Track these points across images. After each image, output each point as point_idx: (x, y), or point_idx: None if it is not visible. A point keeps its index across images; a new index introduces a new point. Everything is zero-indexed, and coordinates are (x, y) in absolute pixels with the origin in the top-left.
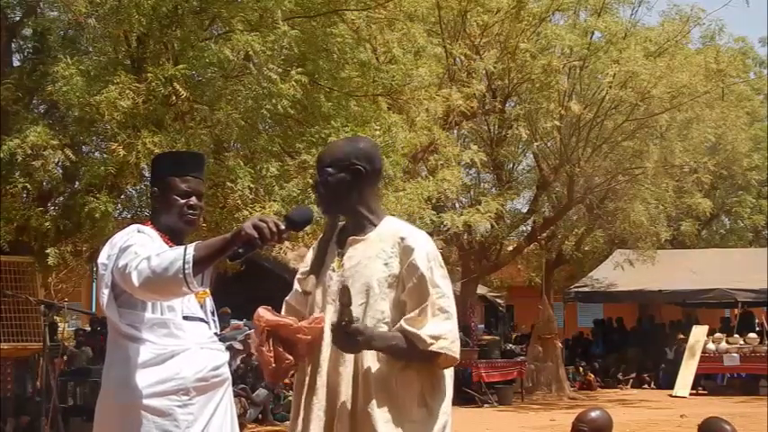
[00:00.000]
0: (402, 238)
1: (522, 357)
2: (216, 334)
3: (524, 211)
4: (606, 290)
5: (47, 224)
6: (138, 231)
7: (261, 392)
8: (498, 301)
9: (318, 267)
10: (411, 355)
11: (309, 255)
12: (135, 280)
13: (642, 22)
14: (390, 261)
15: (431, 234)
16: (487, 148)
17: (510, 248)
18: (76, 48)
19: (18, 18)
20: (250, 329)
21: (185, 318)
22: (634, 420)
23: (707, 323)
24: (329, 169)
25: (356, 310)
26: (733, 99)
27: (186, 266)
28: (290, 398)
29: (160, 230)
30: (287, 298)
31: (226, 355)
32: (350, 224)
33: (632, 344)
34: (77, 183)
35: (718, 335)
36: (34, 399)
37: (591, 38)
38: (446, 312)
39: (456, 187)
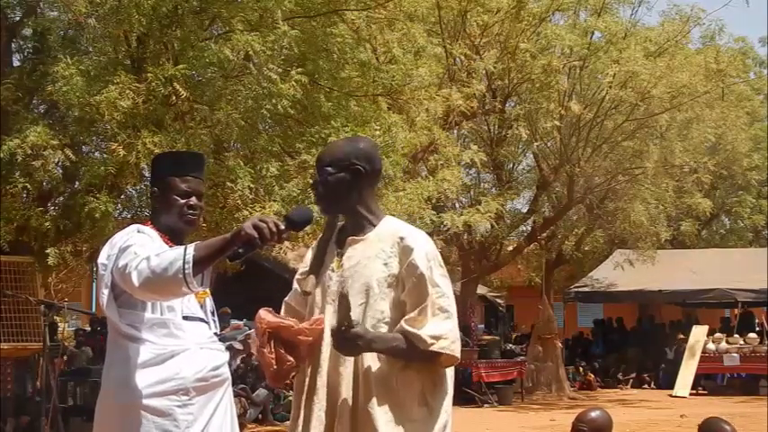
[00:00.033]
0: (401, 238)
1: (522, 357)
2: (216, 334)
3: (524, 211)
4: (606, 290)
5: (47, 224)
6: (138, 231)
7: (261, 392)
8: (498, 301)
9: (318, 267)
10: (412, 355)
11: (308, 255)
12: (135, 280)
13: (642, 22)
14: (390, 261)
15: (431, 234)
16: (487, 148)
17: (510, 248)
18: (76, 48)
19: (18, 18)
20: (250, 329)
21: (185, 318)
22: (634, 420)
23: (707, 323)
24: (329, 168)
25: (356, 311)
26: (733, 99)
27: (186, 266)
28: (290, 398)
29: (160, 230)
30: (286, 298)
31: (226, 355)
32: (349, 224)
33: (632, 344)
34: (77, 183)
35: (718, 335)
36: (34, 399)
37: (591, 38)
38: (446, 312)
39: (456, 187)
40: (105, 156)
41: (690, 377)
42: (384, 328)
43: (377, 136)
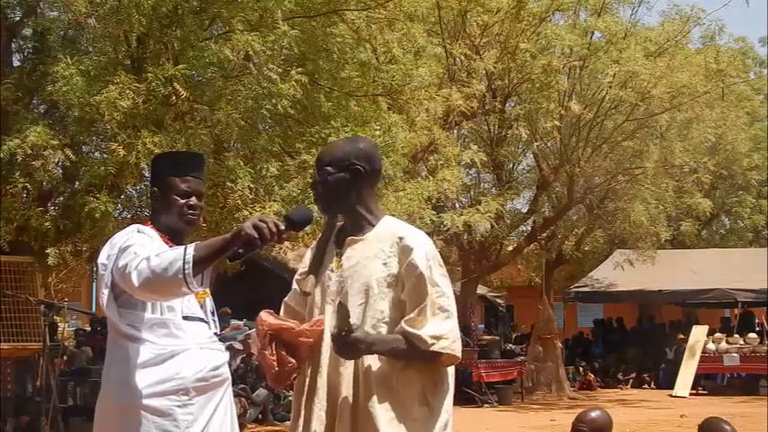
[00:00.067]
0: (400, 238)
1: (522, 357)
2: (216, 334)
3: (524, 211)
4: (606, 290)
5: (47, 224)
6: (138, 231)
7: (261, 392)
8: (498, 301)
9: (317, 268)
10: (412, 355)
11: (308, 255)
12: (135, 280)
13: (642, 22)
14: (389, 261)
15: (431, 234)
16: (487, 148)
17: (510, 248)
18: (76, 48)
19: (18, 18)
20: (250, 329)
21: (185, 318)
22: (634, 420)
23: (707, 323)
24: (329, 168)
25: (355, 311)
26: (733, 99)
27: (186, 267)
28: (290, 398)
29: (160, 230)
30: (285, 299)
31: (226, 355)
32: (348, 224)
33: (632, 344)
34: (77, 183)
35: (718, 335)
36: (34, 399)
37: (591, 38)
38: (446, 311)
39: (456, 187)
40: (105, 156)
41: (690, 377)
42: (384, 328)
43: (377, 136)
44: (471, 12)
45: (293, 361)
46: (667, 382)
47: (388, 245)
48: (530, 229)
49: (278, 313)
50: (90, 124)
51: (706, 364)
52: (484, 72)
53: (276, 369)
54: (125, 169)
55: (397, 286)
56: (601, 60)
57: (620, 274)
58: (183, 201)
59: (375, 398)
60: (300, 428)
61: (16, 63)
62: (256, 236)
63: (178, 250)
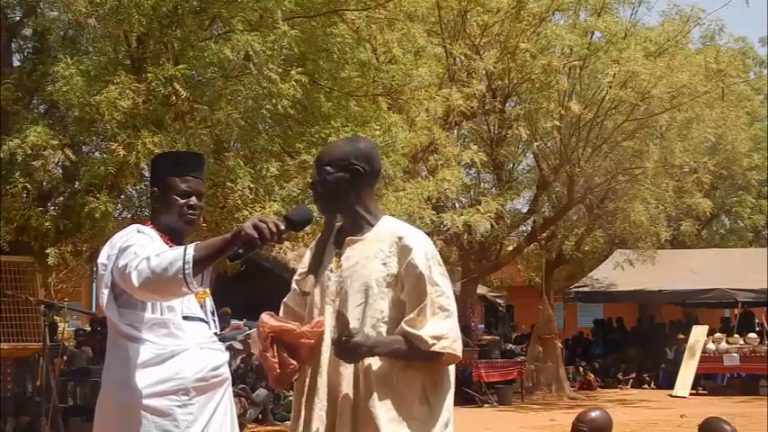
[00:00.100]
0: (400, 238)
1: (522, 357)
2: (216, 334)
3: (524, 211)
4: (606, 290)
5: (47, 224)
6: (138, 231)
7: (261, 392)
8: (498, 301)
9: (316, 268)
10: (413, 356)
11: (307, 255)
12: (135, 280)
13: (642, 22)
14: (388, 260)
15: (431, 234)
16: (487, 148)
17: (510, 248)
18: (76, 48)
19: (18, 18)
20: (250, 329)
21: (185, 318)
22: (634, 420)
23: (707, 323)
24: (328, 168)
25: (355, 311)
26: (733, 99)
27: (186, 267)
28: (291, 398)
29: (160, 230)
30: (285, 299)
31: (226, 355)
32: (347, 224)
33: (632, 344)
34: (77, 183)
35: (718, 335)
36: (34, 399)
37: (591, 38)
38: (446, 311)
39: (456, 187)
40: (105, 156)
41: (690, 377)
42: (383, 328)
43: (377, 136)
44: (471, 12)
45: (294, 362)
46: (667, 382)
47: (388, 245)
48: (530, 229)
49: (277, 314)
50: (90, 124)
51: (706, 364)
52: (484, 72)
53: (278, 371)
54: (125, 169)
55: (396, 286)
56: (601, 60)
57: (620, 274)
58: (183, 201)
59: (375, 397)
60: (301, 428)
61: (16, 63)
62: (256, 236)
63: (178, 250)
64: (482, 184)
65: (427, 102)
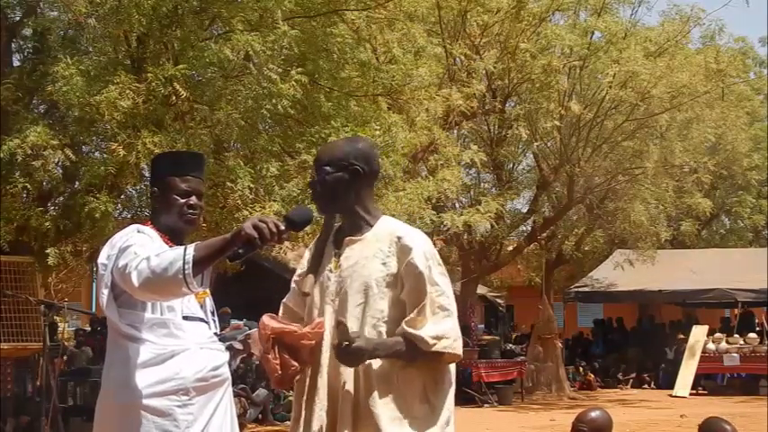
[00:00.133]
0: (399, 238)
1: (522, 357)
2: (216, 334)
3: (524, 211)
4: (606, 290)
5: (47, 224)
6: (138, 231)
7: (261, 392)
8: (498, 301)
9: (315, 268)
10: (414, 356)
11: (306, 256)
12: (135, 280)
13: (642, 22)
14: (388, 260)
15: (431, 234)
16: (487, 148)
17: (510, 248)
18: (76, 48)
19: (18, 18)
20: (250, 329)
21: (185, 318)
22: (634, 420)
23: (707, 323)
24: (327, 168)
25: (355, 311)
26: (733, 99)
27: (186, 267)
28: (291, 398)
29: (160, 230)
30: (284, 300)
31: (226, 355)
32: (346, 224)
33: (632, 344)
34: (77, 183)
35: (718, 335)
36: (34, 399)
37: (591, 38)
38: (446, 310)
39: (456, 187)
40: (105, 156)
41: (690, 377)
42: (384, 328)
43: (377, 136)
44: (471, 12)
45: (296, 364)
46: (667, 382)
47: (387, 244)
48: (530, 229)
49: (277, 314)
50: (90, 124)
51: (706, 364)
52: (484, 72)
53: (280, 372)
54: (125, 169)
55: (396, 286)
56: (601, 60)
57: (620, 274)
58: (183, 200)
59: (376, 396)
60: (301, 429)
61: (16, 63)
62: (256, 236)
63: (178, 250)
64: (482, 184)
65: (427, 102)
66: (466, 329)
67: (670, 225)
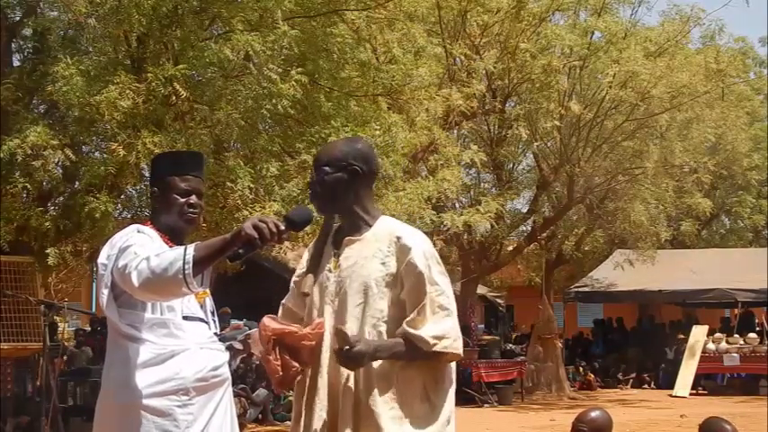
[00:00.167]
0: (398, 237)
1: (522, 357)
2: (216, 334)
3: (524, 211)
4: (606, 290)
5: (47, 224)
6: (138, 231)
7: (261, 392)
8: (498, 301)
9: (315, 268)
10: (415, 356)
11: (305, 256)
12: (134, 280)
13: (642, 22)
14: (387, 260)
15: (431, 234)
16: (487, 148)
17: (510, 248)
18: (76, 48)
19: (18, 18)
20: (250, 329)
21: (185, 318)
22: (634, 420)
23: (707, 323)
24: (326, 168)
25: (355, 310)
26: (733, 99)
27: (186, 267)
28: (291, 398)
29: (160, 230)
30: (284, 300)
31: (226, 355)
32: (345, 224)
33: (632, 344)
34: (77, 183)
35: (718, 335)
36: (34, 399)
37: (591, 38)
38: (446, 310)
39: (456, 187)
40: (105, 156)
41: (690, 377)
42: (383, 327)
43: (377, 136)
44: (471, 12)
45: (297, 365)
46: (667, 382)
47: (386, 244)
48: (530, 229)
49: (276, 315)
50: (90, 124)
51: (706, 364)
52: (484, 72)
53: (281, 373)
54: (125, 169)
55: (395, 285)
56: (601, 60)
57: (620, 274)
58: (183, 199)
59: (377, 395)
60: (302, 429)
61: (16, 63)
62: (256, 236)
63: (178, 250)
64: (482, 184)
65: (427, 102)
66: (466, 329)
67: (670, 225)
